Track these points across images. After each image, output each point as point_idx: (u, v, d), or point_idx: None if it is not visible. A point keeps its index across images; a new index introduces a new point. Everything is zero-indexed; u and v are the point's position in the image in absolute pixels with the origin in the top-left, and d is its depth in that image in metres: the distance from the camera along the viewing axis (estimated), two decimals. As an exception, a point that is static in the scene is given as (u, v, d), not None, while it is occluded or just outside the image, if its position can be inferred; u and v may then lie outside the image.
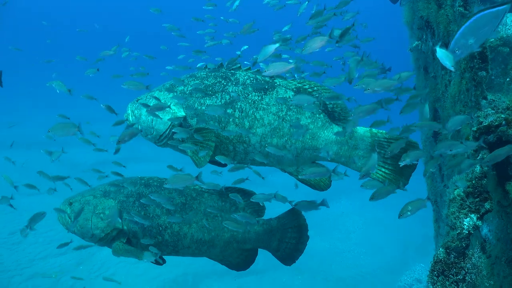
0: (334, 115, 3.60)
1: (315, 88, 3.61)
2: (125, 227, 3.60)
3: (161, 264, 3.76)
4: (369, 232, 10.77)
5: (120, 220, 3.56)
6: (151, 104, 3.61)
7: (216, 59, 5.33)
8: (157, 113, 3.54)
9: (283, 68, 3.22)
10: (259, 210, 3.87)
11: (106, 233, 3.55)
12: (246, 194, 3.84)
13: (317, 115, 3.57)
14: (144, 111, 3.61)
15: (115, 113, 3.94)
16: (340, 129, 3.55)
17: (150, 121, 3.59)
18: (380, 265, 9.50)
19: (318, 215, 11.28)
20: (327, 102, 3.56)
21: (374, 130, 3.51)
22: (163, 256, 3.81)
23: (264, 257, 4.34)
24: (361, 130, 3.52)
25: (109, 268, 7.86)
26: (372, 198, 2.89)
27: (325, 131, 3.53)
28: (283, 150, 3.53)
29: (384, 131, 3.51)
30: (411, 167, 3.46)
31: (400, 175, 3.45)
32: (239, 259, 3.90)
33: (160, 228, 3.61)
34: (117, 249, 3.54)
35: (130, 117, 3.70)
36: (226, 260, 3.88)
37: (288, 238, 3.91)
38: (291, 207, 3.68)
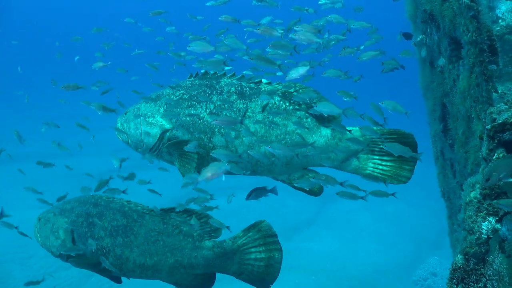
0: (323, 117, 3.48)
1: (300, 90, 3.50)
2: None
3: (120, 282, 3.69)
4: (380, 228, 10.65)
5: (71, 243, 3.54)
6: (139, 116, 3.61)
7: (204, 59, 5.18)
8: (145, 125, 3.54)
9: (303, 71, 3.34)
10: (211, 231, 3.56)
11: (60, 252, 3.53)
12: (196, 215, 3.54)
13: (304, 119, 3.47)
14: (132, 124, 3.58)
15: (113, 110, 3.93)
16: (328, 131, 3.44)
17: (139, 134, 3.56)
18: (394, 261, 9.40)
19: (327, 213, 11.21)
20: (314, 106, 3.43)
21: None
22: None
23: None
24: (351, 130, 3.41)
25: (120, 279, 7.84)
26: None
27: (314, 135, 3.42)
28: (272, 158, 3.42)
29: (375, 128, 3.38)
30: (413, 160, 3.35)
31: (401, 170, 3.35)
32: (195, 282, 3.62)
33: (104, 251, 3.49)
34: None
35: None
36: (180, 283, 3.63)
37: (252, 260, 3.53)
38: (251, 223, 3.53)
